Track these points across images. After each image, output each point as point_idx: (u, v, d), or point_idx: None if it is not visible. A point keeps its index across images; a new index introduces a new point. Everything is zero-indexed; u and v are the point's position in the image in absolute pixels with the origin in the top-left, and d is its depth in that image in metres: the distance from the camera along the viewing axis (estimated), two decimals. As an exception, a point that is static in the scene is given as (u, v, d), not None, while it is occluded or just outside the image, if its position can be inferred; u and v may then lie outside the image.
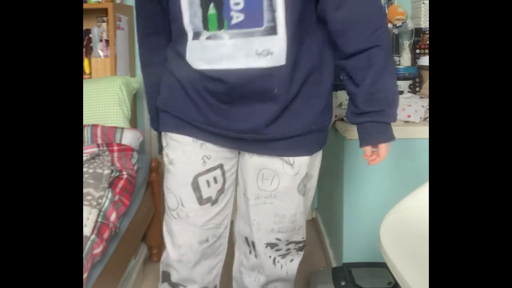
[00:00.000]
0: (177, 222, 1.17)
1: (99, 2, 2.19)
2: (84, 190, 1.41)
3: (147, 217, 2.01)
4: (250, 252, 1.21)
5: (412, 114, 1.65)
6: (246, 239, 1.20)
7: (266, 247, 1.17)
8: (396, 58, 2.17)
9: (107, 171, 1.57)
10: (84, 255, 1.19)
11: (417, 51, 2.13)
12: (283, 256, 1.20)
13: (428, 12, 2.09)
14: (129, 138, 1.93)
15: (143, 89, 2.49)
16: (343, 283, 1.58)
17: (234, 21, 0.96)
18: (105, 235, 1.34)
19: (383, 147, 1.08)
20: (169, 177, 1.17)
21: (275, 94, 1.00)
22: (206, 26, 0.98)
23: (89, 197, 1.39)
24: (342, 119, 1.72)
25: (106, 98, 2.03)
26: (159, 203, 2.13)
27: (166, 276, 1.24)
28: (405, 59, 2.13)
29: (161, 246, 2.19)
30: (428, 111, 1.68)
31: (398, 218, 0.99)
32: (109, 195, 1.47)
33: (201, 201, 1.14)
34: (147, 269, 2.06)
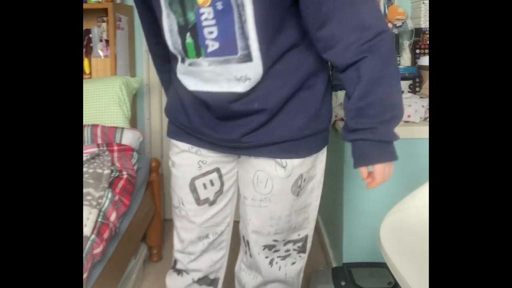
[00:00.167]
0: (180, 219, 1.24)
1: (99, 2, 2.19)
2: (84, 190, 1.41)
3: (147, 217, 2.01)
4: (246, 252, 1.23)
5: (412, 114, 1.65)
6: (243, 237, 1.22)
7: (264, 249, 1.18)
8: (396, 58, 2.17)
9: (107, 171, 1.57)
10: (84, 255, 1.20)
11: (417, 51, 2.13)
12: (283, 257, 1.20)
13: (428, 12, 2.10)
14: (129, 138, 1.94)
15: (143, 89, 2.50)
16: (343, 283, 1.58)
17: (210, 49, 0.98)
18: (105, 235, 1.34)
19: (379, 168, 0.99)
20: (172, 178, 1.24)
21: (257, 109, 1.02)
22: (186, 54, 1.02)
23: (89, 197, 1.39)
24: (342, 119, 1.72)
25: (106, 98, 2.04)
26: (159, 203, 2.13)
27: (174, 263, 1.30)
28: (405, 59, 2.13)
29: (161, 246, 2.20)
30: (428, 111, 1.68)
31: (398, 218, 0.99)
32: (109, 195, 1.47)
33: (198, 202, 1.20)
34: (147, 269, 2.06)
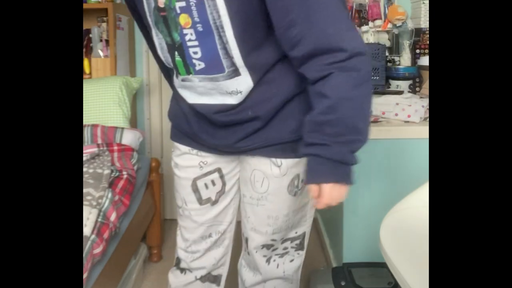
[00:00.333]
0: (183, 219, 1.26)
1: (99, 2, 2.19)
2: (84, 190, 1.41)
3: (147, 217, 2.01)
4: (245, 249, 1.25)
5: (412, 114, 1.65)
6: (243, 234, 1.24)
7: (262, 248, 1.19)
8: (396, 58, 2.18)
9: (107, 171, 1.57)
10: (84, 255, 1.20)
11: (417, 51, 2.13)
12: (281, 255, 1.21)
13: (428, 12, 2.09)
14: (129, 138, 1.94)
15: (143, 89, 2.50)
16: (343, 283, 1.58)
17: (197, 68, 1.01)
18: (105, 235, 1.34)
19: (325, 189, 0.93)
20: (175, 179, 1.25)
21: (251, 116, 1.04)
22: (178, 71, 1.05)
23: (89, 197, 1.39)
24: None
25: (106, 98, 2.04)
26: (159, 203, 2.13)
27: (177, 261, 1.31)
28: (405, 59, 2.13)
29: (161, 246, 2.20)
30: (428, 111, 1.68)
31: (398, 218, 0.99)
32: (109, 195, 1.47)
33: (200, 201, 1.21)
34: (147, 269, 2.06)
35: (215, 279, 1.29)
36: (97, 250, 1.28)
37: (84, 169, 1.57)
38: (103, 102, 2.03)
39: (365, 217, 1.69)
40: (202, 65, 1.00)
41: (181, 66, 1.02)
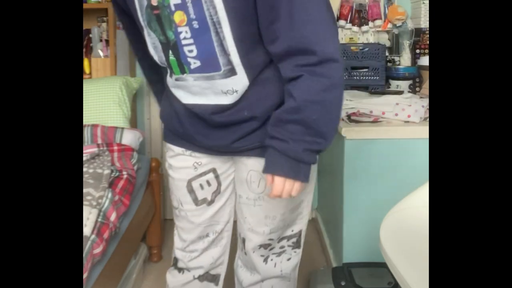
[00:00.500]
0: (180, 219, 1.25)
1: (99, 2, 2.19)
2: (84, 190, 1.41)
3: (147, 217, 2.01)
4: (241, 249, 1.24)
5: (412, 114, 1.65)
6: (239, 235, 1.24)
7: (259, 248, 1.19)
8: (396, 58, 2.18)
9: (107, 171, 1.57)
10: (84, 255, 1.20)
11: (417, 51, 2.13)
12: (278, 254, 1.21)
13: (428, 12, 2.10)
14: (129, 138, 1.94)
15: (143, 89, 2.50)
16: (343, 283, 1.58)
17: (193, 67, 1.00)
18: (105, 235, 1.34)
19: (277, 181, 0.96)
20: (170, 180, 1.25)
21: (247, 117, 1.04)
22: (172, 70, 1.04)
23: (89, 197, 1.39)
24: (342, 119, 1.72)
25: (106, 98, 2.04)
26: (159, 203, 2.13)
27: (174, 261, 1.31)
28: (405, 59, 2.14)
29: (161, 246, 2.20)
30: (428, 111, 1.68)
31: (398, 218, 0.99)
32: (109, 195, 1.47)
33: (196, 202, 1.20)
34: (147, 269, 2.06)
35: (213, 278, 1.29)
36: (97, 250, 1.28)
37: (84, 169, 1.57)
38: (103, 102, 2.03)
39: (365, 217, 1.69)
40: (198, 63, 0.99)
41: (175, 65, 1.01)
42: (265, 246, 1.18)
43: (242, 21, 0.94)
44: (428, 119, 1.68)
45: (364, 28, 2.28)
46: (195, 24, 0.94)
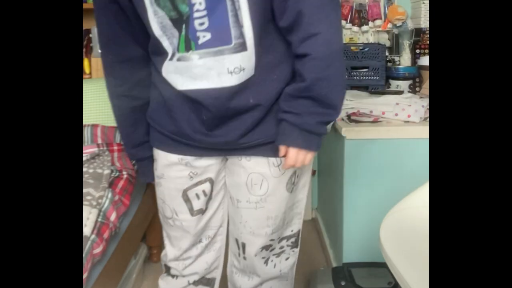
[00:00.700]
0: (174, 229, 1.21)
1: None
2: (84, 190, 1.41)
3: (147, 217, 2.01)
4: (239, 255, 1.21)
5: (412, 114, 1.65)
6: (236, 240, 1.20)
7: (261, 250, 1.17)
8: (396, 58, 2.18)
9: (107, 171, 1.57)
10: (84, 255, 1.19)
11: (417, 51, 2.13)
12: (278, 255, 1.20)
13: (428, 12, 2.10)
14: (129, 138, 1.93)
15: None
16: (343, 283, 1.58)
17: (201, 41, 0.95)
18: (105, 235, 1.34)
19: (291, 153, 1.01)
20: (160, 190, 1.19)
21: (252, 104, 1.01)
22: (178, 48, 0.98)
23: (89, 197, 1.39)
24: (342, 119, 1.72)
25: (106, 98, 2.03)
26: (159, 203, 2.13)
27: (166, 269, 1.29)
28: (405, 59, 2.13)
29: (161, 246, 2.19)
30: (428, 111, 1.68)
31: (398, 218, 0.99)
32: (109, 195, 1.47)
33: (192, 212, 1.17)
34: (147, 269, 2.06)
35: (209, 282, 1.27)
36: (97, 250, 1.27)
37: (84, 169, 1.57)
38: (103, 102, 2.03)
39: (365, 217, 1.69)
40: (208, 36, 0.95)
41: (182, 41, 0.97)
42: (266, 247, 1.17)
43: None
44: (428, 119, 1.68)
45: (364, 28, 2.28)
46: None
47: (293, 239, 1.21)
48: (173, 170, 1.14)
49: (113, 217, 1.43)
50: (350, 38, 2.31)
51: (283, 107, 1.01)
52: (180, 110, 1.05)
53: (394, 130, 1.64)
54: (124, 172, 1.69)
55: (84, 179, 1.49)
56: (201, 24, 0.94)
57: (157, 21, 0.97)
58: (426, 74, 1.92)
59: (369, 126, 1.65)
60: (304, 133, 1.00)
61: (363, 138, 1.65)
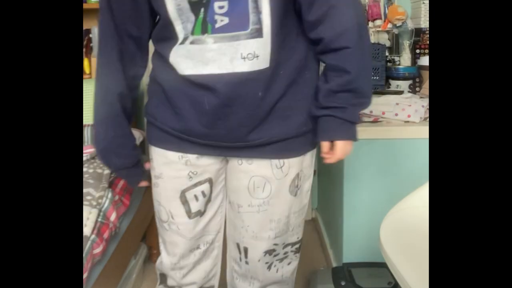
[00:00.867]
0: (169, 233, 1.18)
1: (99, 2, 2.18)
2: (84, 190, 1.41)
3: (147, 217, 2.01)
4: (240, 259, 1.18)
5: (412, 114, 1.65)
6: (238, 245, 1.18)
7: (265, 255, 1.15)
8: (396, 58, 2.17)
9: (107, 171, 1.57)
10: (84, 255, 1.19)
11: (417, 51, 2.13)
12: (281, 260, 1.18)
13: (428, 12, 2.09)
14: (129, 138, 1.93)
15: (143, 89, 2.50)
16: (343, 283, 1.58)
17: (218, 25, 0.94)
18: (105, 235, 1.34)
19: (340, 145, 1.04)
20: (157, 191, 1.16)
21: (259, 97, 0.99)
22: (192, 31, 0.96)
23: (89, 197, 1.39)
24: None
25: (106, 98, 2.03)
26: (159, 203, 2.12)
27: (163, 278, 1.25)
28: (405, 59, 2.13)
29: (161, 246, 2.19)
30: (428, 111, 1.68)
31: (398, 218, 0.99)
32: (109, 195, 1.47)
33: (190, 214, 1.14)
34: (147, 269, 2.06)
35: None
36: (97, 250, 1.27)
37: (84, 169, 1.57)
38: (103, 102, 2.02)
39: (365, 217, 1.69)
40: (226, 20, 0.94)
41: (199, 24, 0.95)
42: (270, 252, 1.15)
43: None
44: (428, 119, 1.68)
45: (364, 28, 2.28)
46: None
47: (297, 246, 1.20)
48: (172, 169, 1.11)
49: (113, 217, 1.43)
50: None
51: (324, 103, 1.02)
52: (183, 99, 1.02)
53: (394, 130, 1.64)
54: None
55: (84, 179, 1.49)
56: (221, 7, 0.93)
57: (174, 4, 0.94)
58: (426, 74, 1.92)
59: (369, 126, 1.65)
60: (349, 124, 1.03)
61: (363, 138, 1.64)
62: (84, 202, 1.35)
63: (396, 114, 1.67)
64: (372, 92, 1.08)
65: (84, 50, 2.27)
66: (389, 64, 2.16)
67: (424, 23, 2.12)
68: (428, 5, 2.09)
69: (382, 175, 1.67)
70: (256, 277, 1.18)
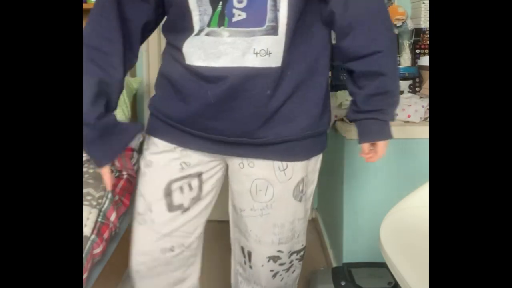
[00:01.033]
0: (142, 228, 1.11)
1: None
2: (84, 190, 1.41)
3: (147, 217, 2.01)
4: (245, 263, 1.17)
5: (412, 114, 1.65)
6: (242, 248, 1.16)
7: (269, 261, 1.13)
8: (396, 58, 2.18)
9: (107, 171, 1.57)
10: (84, 255, 1.19)
11: (417, 51, 2.13)
12: (287, 270, 1.17)
13: (428, 12, 2.09)
14: (129, 138, 1.93)
15: (143, 89, 2.50)
16: (343, 283, 1.58)
17: (235, 19, 0.94)
18: (105, 235, 1.34)
19: (381, 145, 1.10)
20: (142, 181, 1.12)
21: (267, 95, 0.98)
22: (209, 23, 0.96)
23: (89, 197, 1.39)
24: (342, 119, 1.72)
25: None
26: (159, 203, 2.12)
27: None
28: (405, 59, 2.13)
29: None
30: (428, 111, 1.68)
31: (398, 218, 0.99)
32: (109, 195, 1.47)
33: (170, 207, 1.09)
34: (147, 269, 2.05)
35: None
36: (97, 250, 1.27)
37: (84, 169, 1.57)
38: (103, 102, 2.03)
39: (365, 217, 1.69)
40: (243, 15, 0.94)
41: (216, 17, 0.95)
42: (274, 258, 1.13)
43: None
44: (428, 119, 1.68)
45: (364, 28, 2.28)
46: None
47: (302, 253, 1.19)
48: (164, 158, 1.07)
49: (113, 217, 1.43)
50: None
51: (364, 107, 1.06)
52: (191, 87, 1.00)
53: (394, 130, 1.62)
54: (124, 172, 1.69)
55: (84, 179, 1.49)
56: (240, 2, 0.94)
57: None
58: (426, 74, 1.92)
59: (369, 126, 1.65)
60: (387, 124, 1.09)
61: (363, 138, 1.65)
62: (84, 202, 1.35)
63: (396, 114, 1.67)
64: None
65: (84, 50, 2.26)
66: (389, 64, 2.15)
67: (424, 23, 2.12)
68: (428, 5, 2.09)
69: (382, 175, 1.67)
70: (259, 283, 1.17)
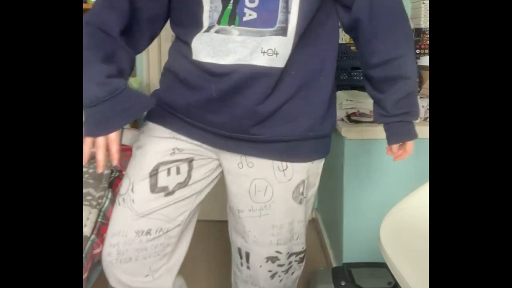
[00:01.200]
0: (120, 208, 1.06)
1: None
2: (84, 190, 1.41)
3: (147, 217, 2.01)
4: (241, 264, 1.16)
5: (412, 114, 1.65)
6: (239, 250, 1.15)
7: (267, 261, 1.12)
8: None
9: (107, 171, 1.57)
10: (84, 255, 1.19)
11: (417, 51, 2.13)
12: (286, 271, 1.16)
13: (428, 12, 2.10)
14: (129, 138, 1.93)
15: (143, 89, 2.50)
16: (343, 283, 1.59)
17: (246, 18, 0.95)
18: (105, 235, 1.34)
19: (410, 144, 1.15)
20: (131, 162, 1.10)
21: (267, 94, 0.99)
22: (219, 20, 0.96)
23: (89, 197, 1.39)
24: (342, 119, 1.72)
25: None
26: (159, 203, 2.12)
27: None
28: (405, 59, 2.13)
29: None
30: (428, 111, 1.68)
31: (398, 218, 0.99)
32: (109, 195, 1.47)
33: (153, 188, 1.05)
34: (147, 269, 2.05)
35: None
36: (97, 250, 1.27)
37: (84, 169, 1.57)
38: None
39: (365, 217, 1.70)
40: (254, 15, 0.95)
41: (226, 15, 0.96)
42: (272, 259, 1.12)
43: None
44: (428, 119, 1.68)
45: (364, 28, 2.27)
46: None
47: (301, 255, 1.18)
48: (158, 142, 1.07)
49: (113, 217, 1.43)
50: (350, 39, 2.31)
51: (393, 111, 1.10)
52: (197, 77, 1.01)
53: (394, 130, 1.63)
54: (124, 172, 1.69)
55: (84, 179, 1.49)
56: (252, 1, 0.94)
57: None
58: (426, 74, 1.92)
59: (369, 126, 1.65)
60: (413, 124, 1.13)
61: (363, 138, 1.65)
62: (84, 202, 1.35)
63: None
64: None
65: (84, 50, 2.26)
66: (389, 64, 2.15)
67: (424, 23, 2.12)
68: (428, 5, 2.09)
69: (382, 175, 1.67)
70: (257, 284, 1.16)
